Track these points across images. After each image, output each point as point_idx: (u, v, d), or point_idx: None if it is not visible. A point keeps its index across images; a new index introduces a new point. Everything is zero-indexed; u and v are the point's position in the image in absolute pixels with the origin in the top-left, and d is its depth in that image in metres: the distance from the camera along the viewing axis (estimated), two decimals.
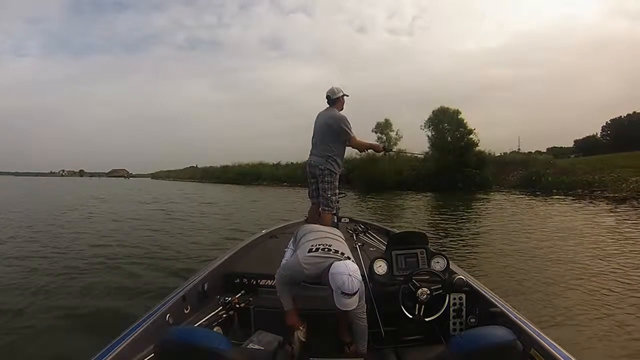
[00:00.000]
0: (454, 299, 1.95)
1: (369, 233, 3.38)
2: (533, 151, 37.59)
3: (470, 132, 26.62)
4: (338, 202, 3.28)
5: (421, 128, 28.21)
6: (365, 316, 1.74)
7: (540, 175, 22.66)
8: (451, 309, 1.94)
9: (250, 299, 2.06)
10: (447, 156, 25.60)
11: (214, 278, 2.21)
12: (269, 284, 2.15)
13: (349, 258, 1.70)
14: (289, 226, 3.79)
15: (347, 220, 4.06)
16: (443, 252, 2.26)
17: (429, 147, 28.11)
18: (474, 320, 1.93)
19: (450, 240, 7.05)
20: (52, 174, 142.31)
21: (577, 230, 8.18)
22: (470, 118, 27.55)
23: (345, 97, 3.26)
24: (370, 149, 3.51)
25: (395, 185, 25.29)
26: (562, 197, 17.66)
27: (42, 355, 2.72)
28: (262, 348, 1.60)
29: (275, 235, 3.41)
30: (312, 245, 1.77)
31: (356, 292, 1.54)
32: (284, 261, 2.02)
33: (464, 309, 1.96)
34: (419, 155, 26.91)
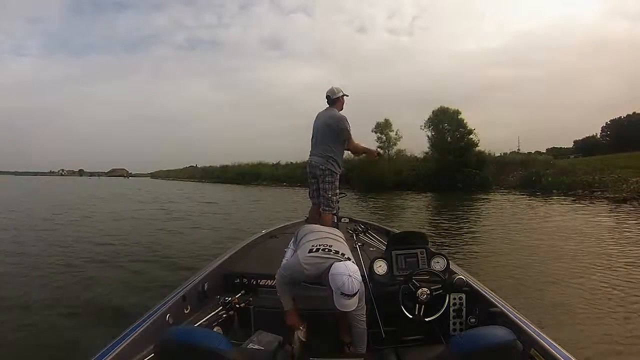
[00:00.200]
0: (454, 299, 1.95)
1: (369, 233, 3.37)
2: (533, 151, 37.60)
3: (470, 132, 26.64)
4: (338, 202, 3.29)
5: (421, 128, 28.24)
6: (365, 319, 1.74)
7: (540, 176, 22.64)
8: (451, 309, 1.94)
9: (250, 299, 2.06)
10: (447, 156, 25.60)
11: (214, 278, 2.21)
12: (269, 284, 2.14)
13: (349, 259, 1.70)
14: (289, 226, 3.79)
15: (347, 220, 4.06)
16: (443, 252, 2.26)
17: (428, 147, 28.21)
18: (474, 320, 1.93)
19: (450, 240, 7.05)
20: (51, 173, 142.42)
21: (577, 230, 8.19)
22: (470, 118, 27.60)
23: (345, 97, 3.25)
24: (364, 153, 3.50)
25: (395, 185, 25.29)
26: (562, 197, 17.66)
27: (42, 355, 2.71)
28: (262, 348, 1.59)
29: (275, 235, 3.40)
30: (313, 246, 1.77)
31: (356, 293, 1.54)
32: (284, 261, 2.02)
33: (464, 309, 1.96)
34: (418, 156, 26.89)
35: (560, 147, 45.47)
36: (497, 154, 29.64)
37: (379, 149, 4.33)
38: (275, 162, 41.01)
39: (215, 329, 1.81)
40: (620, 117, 39.89)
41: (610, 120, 40.95)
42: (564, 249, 6.20)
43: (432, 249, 2.20)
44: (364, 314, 1.74)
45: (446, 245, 6.44)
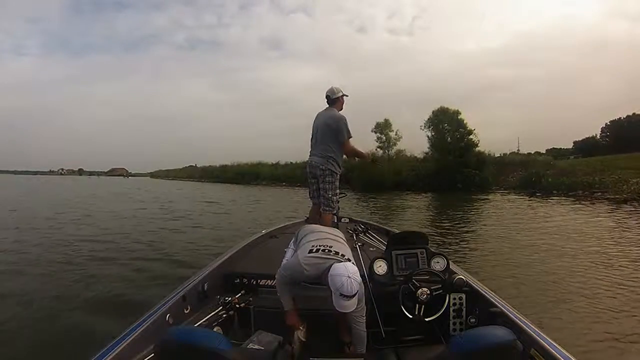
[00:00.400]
0: (454, 299, 1.96)
1: (369, 233, 3.38)
2: (532, 152, 37.60)
3: (470, 132, 26.62)
4: (338, 202, 3.29)
5: (421, 128, 28.24)
6: (364, 320, 1.74)
7: (540, 176, 22.64)
8: (451, 309, 1.94)
9: (250, 299, 2.06)
10: (447, 156, 25.60)
11: (214, 278, 2.21)
12: (269, 284, 2.15)
13: (349, 260, 1.70)
14: (289, 226, 3.79)
15: (347, 220, 4.06)
16: (443, 252, 2.26)
17: (428, 148, 28.20)
18: (474, 320, 1.93)
19: (450, 240, 7.05)
20: (51, 172, 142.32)
21: (578, 230, 8.19)
22: (470, 118, 27.58)
23: (344, 97, 3.26)
24: (358, 157, 3.50)
25: (394, 185, 25.30)
26: (563, 198, 17.66)
27: (41, 355, 2.71)
28: (262, 348, 1.59)
29: (275, 235, 3.41)
30: (313, 246, 1.77)
31: (355, 294, 1.54)
32: (284, 261, 2.02)
33: (464, 309, 1.96)
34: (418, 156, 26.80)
35: (560, 148, 45.56)
36: (497, 155, 29.66)
37: (373, 156, 4.32)
38: (274, 162, 41.13)
39: (215, 329, 1.81)
40: (620, 117, 39.91)
41: (610, 121, 40.95)
42: (564, 249, 6.20)
43: (432, 249, 2.20)
44: (364, 314, 1.74)
45: (446, 246, 6.44)
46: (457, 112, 27.08)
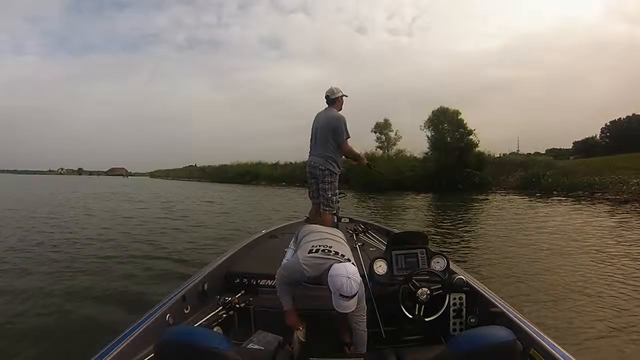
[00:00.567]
0: (454, 299, 1.96)
1: (369, 233, 3.38)
2: (532, 152, 37.54)
3: (470, 132, 26.57)
4: (338, 202, 3.29)
5: (421, 128, 28.16)
6: (365, 320, 1.73)
7: (540, 177, 22.65)
8: (451, 309, 1.94)
9: (250, 299, 2.05)
10: (446, 157, 25.58)
11: (214, 278, 2.21)
12: (269, 284, 2.15)
13: (349, 260, 1.69)
14: (289, 226, 3.80)
15: (347, 220, 4.07)
16: (443, 252, 2.26)
17: (428, 148, 28.18)
18: (474, 320, 1.93)
19: (450, 240, 7.05)
20: (50, 172, 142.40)
21: (578, 230, 8.19)
22: (469, 118, 27.48)
23: (344, 97, 3.26)
24: (355, 159, 3.50)
25: (394, 185, 25.28)
26: (563, 198, 17.64)
27: (41, 355, 2.71)
28: (262, 348, 1.59)
29: (275, 235, 3.41)
30: (313, 246, 1.77)
31: (354, 294, 1.53)
32: (284, 261, 2.02)
33: (464, 309, 1.96)
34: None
35: (560, 148, 45.38)
36: (497, 155, 29.67)
37: (370, 159, 4.32)
38: (274, 162, 41.08)
39: (215, 329, 1.81)
40: (620, 118, 39.79)
41: (610, 122, 40.81)
42: (565, 248, 6.20)
43: (432, 249, 2.20)
44: (364, 314, 1.73)
45: (446, 246, 6.44)
46: (457, 112, 27.07)
